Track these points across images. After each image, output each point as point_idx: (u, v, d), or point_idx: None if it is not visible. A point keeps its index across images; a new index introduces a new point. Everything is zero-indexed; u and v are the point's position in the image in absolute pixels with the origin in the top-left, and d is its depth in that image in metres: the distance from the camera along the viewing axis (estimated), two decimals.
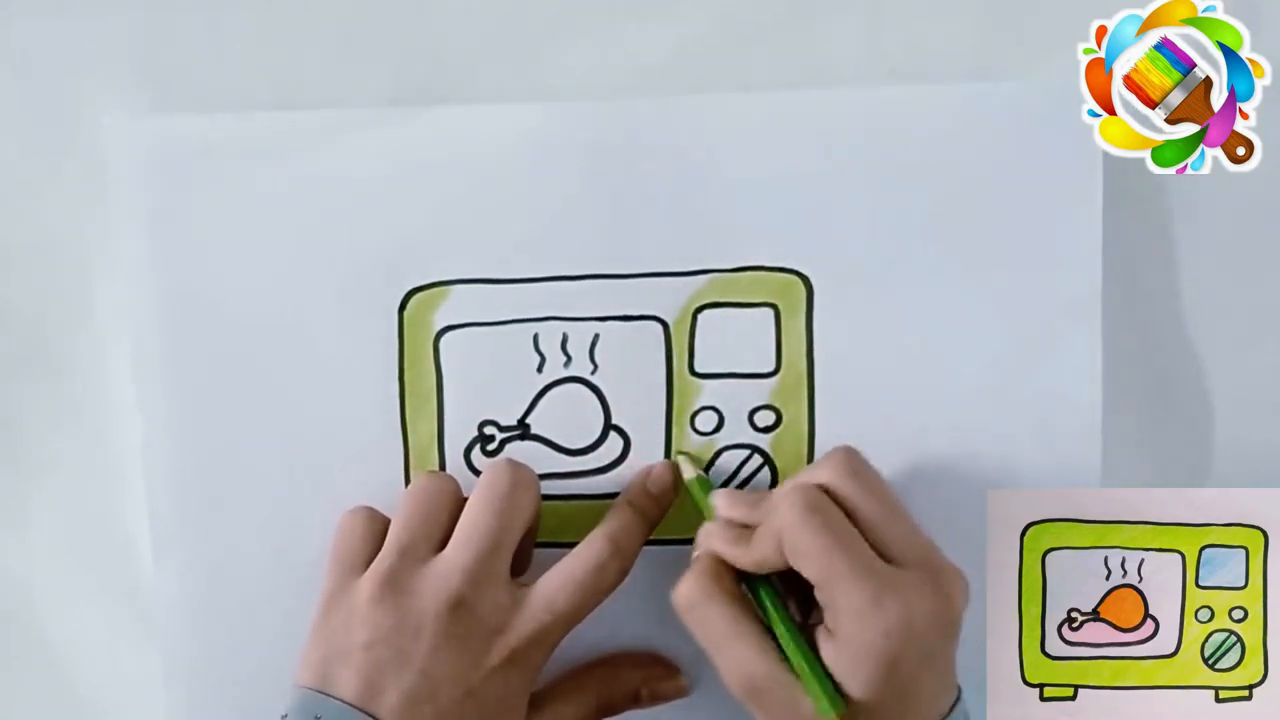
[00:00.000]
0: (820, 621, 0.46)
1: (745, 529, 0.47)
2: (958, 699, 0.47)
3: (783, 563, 0.46)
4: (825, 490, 0.46)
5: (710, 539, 0.48)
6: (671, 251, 0.51)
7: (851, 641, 0.44)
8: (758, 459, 0.52)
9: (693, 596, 0.47)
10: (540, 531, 0.51)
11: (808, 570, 0.45)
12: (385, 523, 0.49)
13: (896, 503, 0.47)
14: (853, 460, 0.47)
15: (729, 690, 0.47)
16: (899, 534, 0.46)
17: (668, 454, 0.52)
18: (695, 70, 0.51)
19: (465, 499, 0.49)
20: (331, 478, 0.52)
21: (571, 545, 0.52)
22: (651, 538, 0.51)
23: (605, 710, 0.51)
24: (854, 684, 0.44)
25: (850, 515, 0.46)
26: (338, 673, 0.46)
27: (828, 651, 0.45)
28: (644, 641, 0.53)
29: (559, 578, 0.48)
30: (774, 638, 0.46)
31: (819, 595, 0.45)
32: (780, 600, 0.47)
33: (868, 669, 0.44)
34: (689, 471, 0.51)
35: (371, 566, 0.48)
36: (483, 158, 0.51)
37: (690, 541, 0.50)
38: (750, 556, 0.47)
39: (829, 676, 0.45)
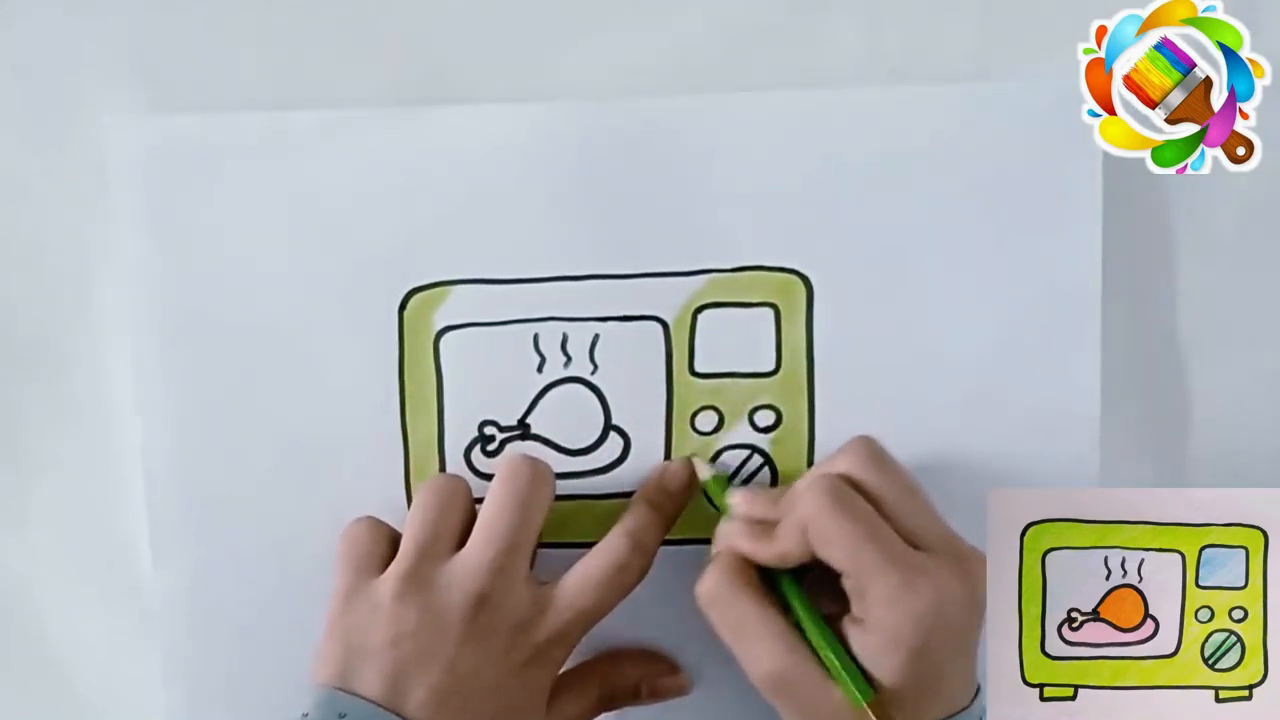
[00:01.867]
0: (843, 613, 0.46)
1: (765, 525, 0.47)
2: (977, 691, 0.47)
3: (806, 555, 0.46)
4: (847, 479, 0.46)
5: (730, 536, 0.48)
6: (671, 251, 0.51)
7: (882, 628, 0.44)
8: (758, 459, 0.52)
9: (716, 591, 0.47)
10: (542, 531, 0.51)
11: (836, 558, 0.45)
12: (391, 530, 0.50)
13: (917, 489, 0.47)
14: (872, 448, 0.48)
15: (753, 685, 0.46)
16: (923, 520, 0.46)
17: (668, 454, 0.52)
18: (695, 70, 0.51)
19: (475, 500, 0.49)
20: (331, 478, 0.52)
21: (572, 545, 0.52)
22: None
23: (607, 703, 0.51)
24: (883, 671, 0.45)
25: (874, 503, 0.46)
26: (361, 671, 0.46)
27: (856, 640, 0.45)
28: (647, 641, 0.53)
29: (581, 576, 0.48)
30: (798, 632, 0.46)
31: (847, 584, 0.45)
32: (803, 593, 0.47)
33: (898, 655, 0.44)
34: (705, 472, 0.51)
35: (392, 566, 0.48)
36: (483, 158, 0.51)
37: (696, 541, 0.50)
38: (773, 550, 0.47)
39: (857, 666, 0.45)
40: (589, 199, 0.51)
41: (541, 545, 0.51)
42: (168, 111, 0.51)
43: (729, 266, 0.51)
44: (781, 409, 0.52)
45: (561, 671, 0.50)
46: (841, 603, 0.46)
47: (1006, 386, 0.51)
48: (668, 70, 0.51)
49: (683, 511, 0.51)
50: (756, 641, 0.46)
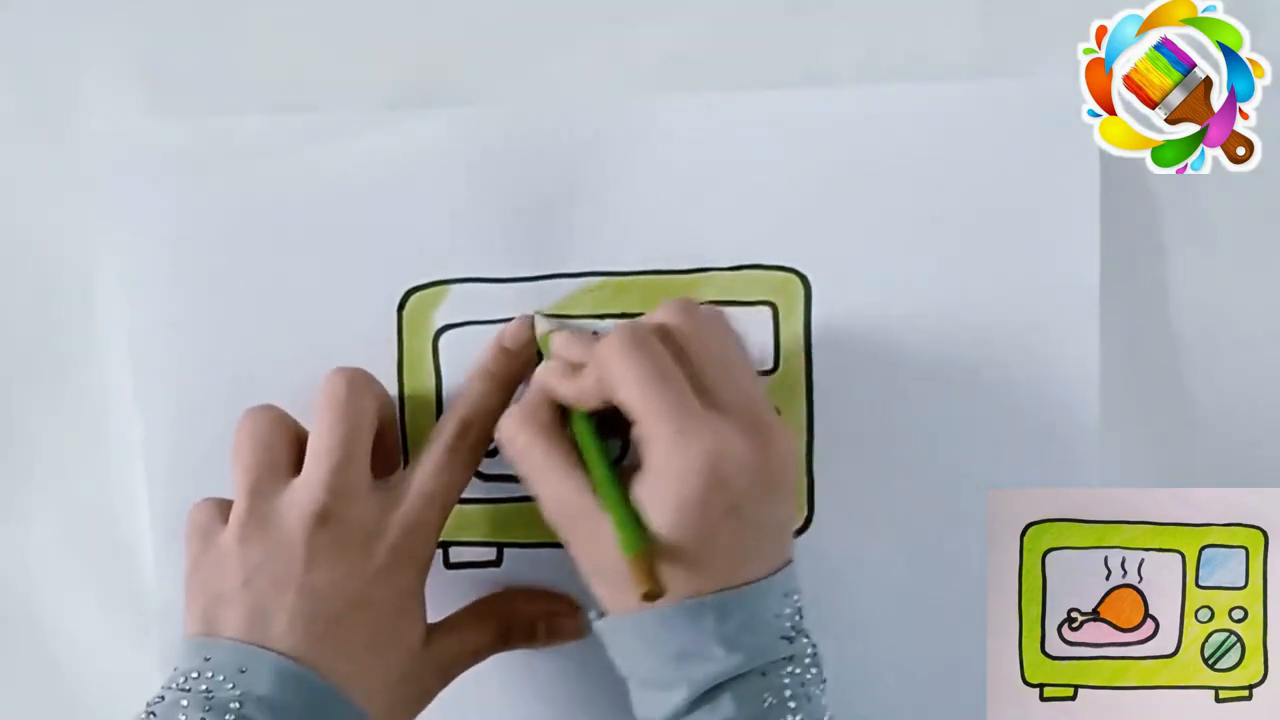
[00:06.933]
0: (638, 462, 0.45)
1: (578, 367, 0.47)
2: (781, 568, 0.45)
3: (601, 397, 0.45)
4: (662, 330, 0.46)
5: (539, 375, 0.48)
6: (670, 250, 0.51)
7: (657, 478, 0.44)
8: None
9: (511, 429, 0.47)
10: (536, 533, 0.51)
11: (624, 401, 0.44)
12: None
13: (733, 352, 0.47)
14: (690, 305, 0.47)
15: (546, 520, 0.46)
16: (724, 380, 0.45)
17: None
18: (695, 70, 0.51)
19: (295, 423, 0.49)
20: None
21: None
22: None
23: (504, 641, 0.51)
24: (654, 521, 0.44)
25: (680, 356, 0.45)
26: (221, 615, 0.46)
27: (635, 488, 0.44)
28: None
29: (420, 464, 0.48)
30: (586, 472, 0.46)
31: (635, 431, 0.45)
32: (597, 437, 0.46)
33: (668, 507, 0.43)
34: (543, 325, 0.50)
35: (230, 516, 0.47)
36: (481, 158, 0.51)
37: None
38: (572, 388, 0.46)
39: (635, 514, 0.44)
40: (587, 197, 0.51)
41: (537, 546, 0.51)
42: (168, 111, 0.52)
43: (727, 265, 0.51)
44: (780, 407, 0.51)
45: (460, 608, 0.50)
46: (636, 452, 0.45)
47: (1006, 386, 0.51)
48: (667, 69, 0.51)
49: (526, 372, 0.50)
50: (545, 477, 0.46)
